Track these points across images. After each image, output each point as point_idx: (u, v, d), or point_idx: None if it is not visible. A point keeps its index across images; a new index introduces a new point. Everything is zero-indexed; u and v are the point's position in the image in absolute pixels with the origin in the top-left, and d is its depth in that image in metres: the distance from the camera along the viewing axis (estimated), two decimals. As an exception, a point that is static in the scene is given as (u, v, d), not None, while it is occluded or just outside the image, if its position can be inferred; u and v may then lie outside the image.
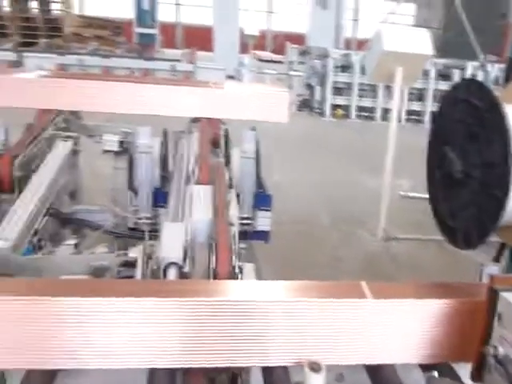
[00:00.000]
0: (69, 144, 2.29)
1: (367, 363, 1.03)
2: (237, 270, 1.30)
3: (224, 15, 12.35)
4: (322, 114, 8.87)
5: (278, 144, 6.28)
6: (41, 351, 0.89)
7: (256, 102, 2.27)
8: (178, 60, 7.16)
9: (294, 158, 6.17)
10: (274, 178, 4.61)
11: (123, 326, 0.91)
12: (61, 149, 2.23)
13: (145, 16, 13.34)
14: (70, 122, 2.68)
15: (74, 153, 2.35)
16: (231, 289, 1.05)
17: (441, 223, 1.43)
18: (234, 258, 1.31)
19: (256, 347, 0.97)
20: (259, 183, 2.75)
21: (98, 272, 1.39)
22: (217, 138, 2.64)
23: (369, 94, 8.87)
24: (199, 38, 15.35)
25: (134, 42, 12.36)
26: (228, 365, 0.97)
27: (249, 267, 1.40)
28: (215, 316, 0.93)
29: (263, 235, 2.82)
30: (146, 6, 13.30)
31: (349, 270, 3.53)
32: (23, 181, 1.93)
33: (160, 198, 2.56)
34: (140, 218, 2.42)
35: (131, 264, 1.59)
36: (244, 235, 2.60)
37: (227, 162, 2.53)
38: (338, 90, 8.83)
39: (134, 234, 2.32)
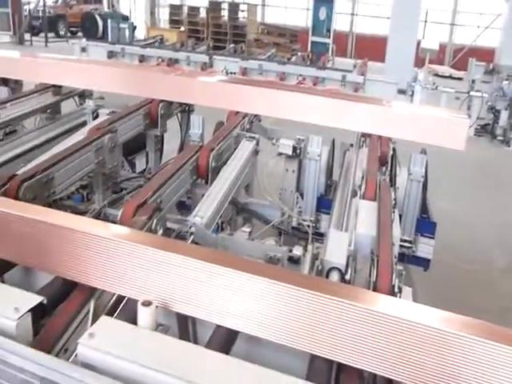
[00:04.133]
0: (252, 144, 2.60)
1: None
2: (396, 290, 1.36)
3: (402, 26, 11.96)
4: (506, 142, 7.95)
5: (448, 170, 5.78)
6: (207, 304, 1.11)
7: (432, 124, 2.19)
8: (349, 71, 7.23)
9: (466, 188, 5.64)
10: (440, 205, 4.31)
11: (286, 308, 1.07)
12: (245, 147, 2.56)
13: (320, 26, 13.86)
14: (254, 124, 3.03)
15: (255, 152, 2.66)
16: (390, 304, 1.11)
17: None
18: (394, 276, 1.38)
19: (400, 362, 1.01)
20: (424, 208, 2.68)
21: (271, 261, 1.61)
22: (385, 155, 2.68)
23: None
24: (372, 48, 15.21)
25: (308, 49, 12.92)
26: (373, 370, 1.04)
27: (407, 290, 1.45)
28: (369, 325, 1.02)
29: (423, 262, 2.73)
30: (322, 16, 13.81)
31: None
32: (215, 171, 2.29)
33: (324, 204, 2.71)
34: (304, 220, 2.62)
35: (294, 260, 1.79)
36: (402, 258, 2.58)
37: (392, 181, 2.55)
38: (530, 117, 7.82)
39: (297, 234, 2.53)
